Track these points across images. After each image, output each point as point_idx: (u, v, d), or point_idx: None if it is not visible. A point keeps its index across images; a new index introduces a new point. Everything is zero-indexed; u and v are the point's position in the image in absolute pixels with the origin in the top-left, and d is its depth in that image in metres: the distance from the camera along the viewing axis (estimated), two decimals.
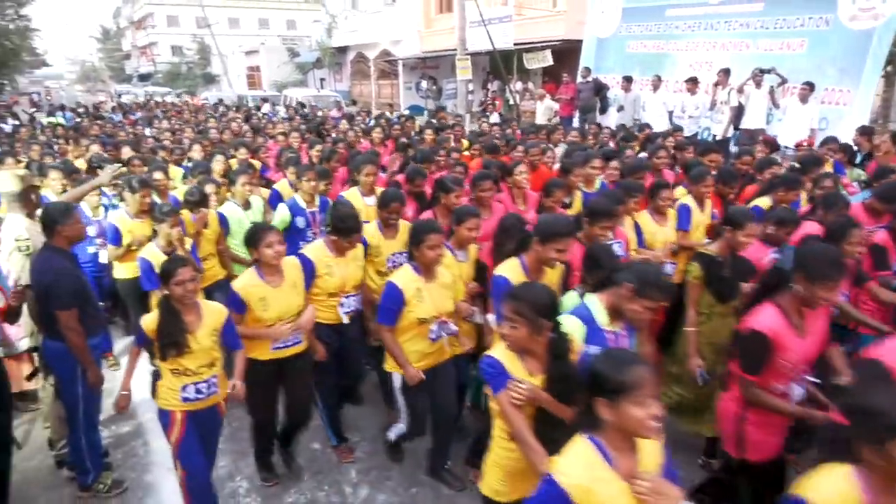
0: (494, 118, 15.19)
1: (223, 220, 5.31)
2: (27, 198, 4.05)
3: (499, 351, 2.60)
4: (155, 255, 4.39)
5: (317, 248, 4.00)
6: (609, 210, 3.86)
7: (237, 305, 3.54)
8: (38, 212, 4.14)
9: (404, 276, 3.59)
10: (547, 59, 16.98)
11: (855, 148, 7.29)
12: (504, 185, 5.28)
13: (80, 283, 3.65)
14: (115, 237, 5.08)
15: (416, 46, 24.67)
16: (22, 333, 4.13)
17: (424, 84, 23.78)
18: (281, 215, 5.25)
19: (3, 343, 3.99)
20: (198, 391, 3.29)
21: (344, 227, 3.87)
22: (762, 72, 9.95)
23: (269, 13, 56.67)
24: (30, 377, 4.19)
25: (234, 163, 7.39)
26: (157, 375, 3.25)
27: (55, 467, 4.28)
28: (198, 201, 5.09)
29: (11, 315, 3.66)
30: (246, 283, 3.60)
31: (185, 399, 3.28)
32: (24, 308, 3.88)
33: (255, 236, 3.57)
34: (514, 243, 3.75)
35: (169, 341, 3.14)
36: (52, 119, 17.11)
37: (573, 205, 5.33)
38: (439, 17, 23.99)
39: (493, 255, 3.91)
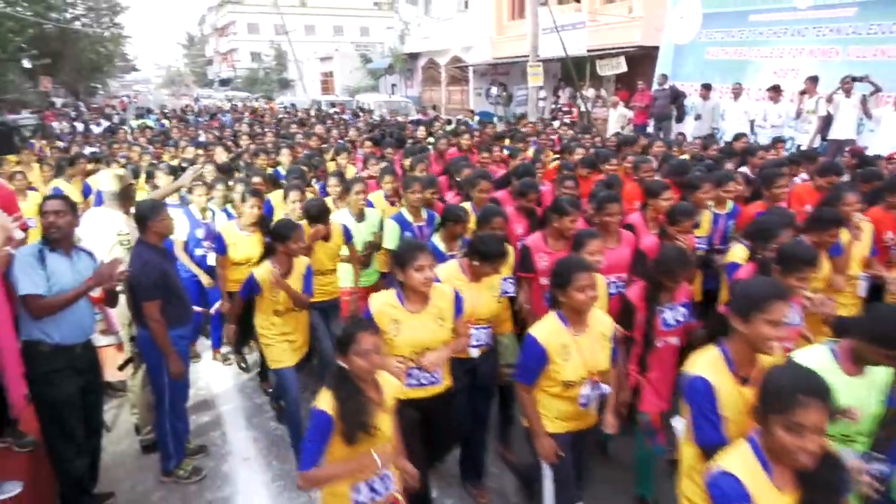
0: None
1: (347, 232, 4.91)
2: (126, 196, 4.30)
3: (736, 461, 1.93)
4: (265, 276, 4.00)
5: (449, 270, 3.55)
6: (811, 258, 3.10)
7: None
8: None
9: (547, 327, 2.93)
10: (621, 66, 16.70)
11: None
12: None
13: (165, 275, 3.83)
14: (221, 246, 4.95)
15: (487, 53, 24.72)
16: (119, 326, 4.38)
17: (495, 90, 23.80)
18: (391, 231, 4.91)
19: (110, 332, 4.23)
20: (373, 490, 2.56)
21: (488, 252, 3.40)
22: (854, 79, 9.47)
23: (344, 20, 58.09)
24: (122, 366, 4.43)
25: (331, 166, 7.36)
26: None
27: (140, 452, 4.51)
28: (317, 215, 4.62)
29: (110, 300, 3.87)
30: (382, 302, 3.15)
31: None
32: (123, 300, 4.13)
33: (405, 256, 3.06)
34: (677, 281, 3.26)
35: (356, 423, 2.45)
36: (141, 121, 18.00)
37: (700, 225, 4.69)
38: (511, 24, 23.96)
39: (647, 294, 3.35)
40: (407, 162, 6.82)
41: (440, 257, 3.88)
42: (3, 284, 3.16)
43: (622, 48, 16.99)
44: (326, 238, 4.69)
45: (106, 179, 4.38)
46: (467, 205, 4.81)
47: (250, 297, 4.16)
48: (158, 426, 4.09)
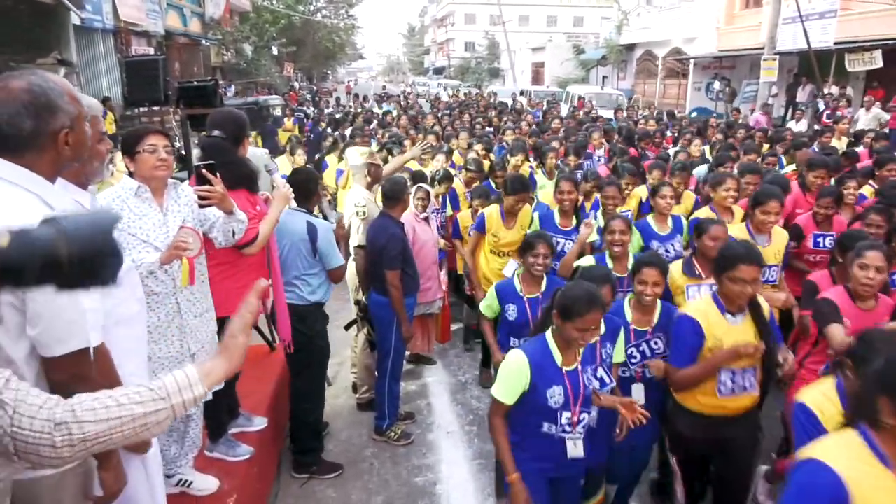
0: (801, 126, 13.48)
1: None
2: (368, 172, 4.70)
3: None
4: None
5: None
6: None
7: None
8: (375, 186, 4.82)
9: None
10: (875, 61, 14.64)
11: None
12: None
13: (406, 248, 4.20)
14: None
15: (711, 44, 23.05)
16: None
17: (717, 85, 22.10)
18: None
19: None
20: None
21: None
22: None
23: (558, 10, 57.77)
24: (348, 327, 4.85)
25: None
26: None
27: (356, 409, 4.90)
28: None
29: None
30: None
31: None
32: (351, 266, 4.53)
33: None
34: None
35: None
36: (384, 109, 18.38)
37: None
38: (744, 13, 22.06)
39: None
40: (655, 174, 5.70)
41: None
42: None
43: (879, 40, 14.83)
44: None
45: (353, 154, 4.81)
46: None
47: None
48: (377, 387, 4.42)
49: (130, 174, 2.63)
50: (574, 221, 4.75)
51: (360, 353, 4.86)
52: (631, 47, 30.48)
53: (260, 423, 3.75)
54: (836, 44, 15.62)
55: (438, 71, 60.79)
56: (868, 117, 12.00)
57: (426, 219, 4.93)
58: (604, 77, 33.17)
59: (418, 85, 44.49)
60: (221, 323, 2.94)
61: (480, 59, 52.35)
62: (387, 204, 4.24)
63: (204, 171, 2.77)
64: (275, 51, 31.92)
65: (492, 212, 4.82)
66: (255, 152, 5.64)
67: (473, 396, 5.08)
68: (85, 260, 1.12)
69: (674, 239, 4.60)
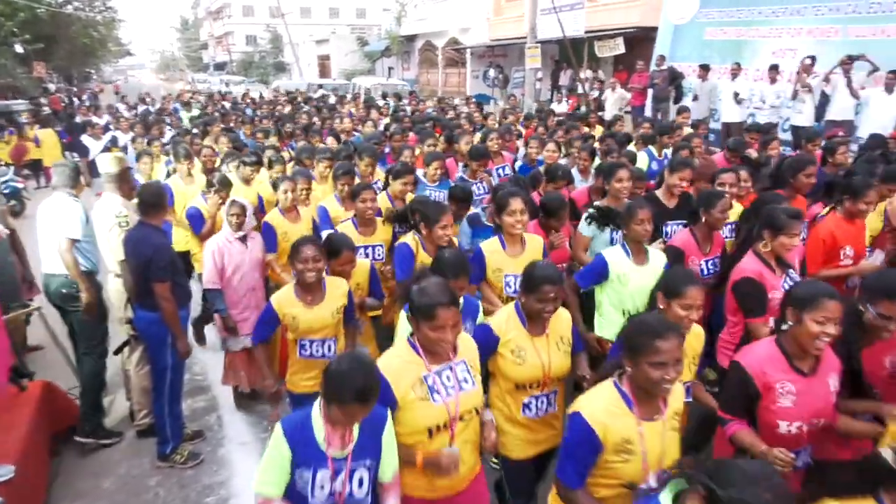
0: (563, 107, 14.91)
1: None
2: (124, 179, 4.28)
3: None
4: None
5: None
6: None
7: None
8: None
9: None
10: (619, 48, 16.55)
11: None
12: None
13: (174, 257, 3.95)
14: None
15: (484, 34, 24.52)
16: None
17: (492, 72, 23.62)
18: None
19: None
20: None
21: None
22: (851, 59, 9.38)
23: (340, 2, 57.48)
24: (118, 350, 4.41)
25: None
26: None
27: (137, 437, 4.49)
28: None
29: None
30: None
31: None
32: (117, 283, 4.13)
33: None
34: None
35: None
36: (191, 114, 15.29)
37: None
38: (509, 5, 23.73)
39: None
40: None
41: None
42: None
43: (620, 29, 16.84)
44: None
45: (105, 162, 4.31)
46: None
47: None
48: (156, 410, 4.09)
49: None
50: None
51: (136, 376, 4.45)
52: (412, 38, 31.33)
53: (6, 472, 3.28)
54: (586, 32, 17.41)
55: (220, 66, 57.38)
56: (614, 97, 13.60)
57: (243, 238, 4.40)
58: (390, 68, 33.81)
59: (198, 82, 41.72)
60: None
61: (264, 53, 50.40)
62: (146, 211, 3.87)
63: None
64: (19, 48, 27.78)
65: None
66: None
67: (266, 403, 4.90)
68: None
69: None
